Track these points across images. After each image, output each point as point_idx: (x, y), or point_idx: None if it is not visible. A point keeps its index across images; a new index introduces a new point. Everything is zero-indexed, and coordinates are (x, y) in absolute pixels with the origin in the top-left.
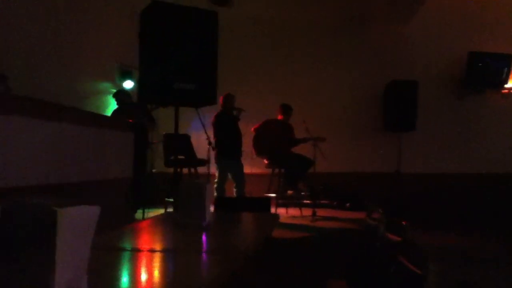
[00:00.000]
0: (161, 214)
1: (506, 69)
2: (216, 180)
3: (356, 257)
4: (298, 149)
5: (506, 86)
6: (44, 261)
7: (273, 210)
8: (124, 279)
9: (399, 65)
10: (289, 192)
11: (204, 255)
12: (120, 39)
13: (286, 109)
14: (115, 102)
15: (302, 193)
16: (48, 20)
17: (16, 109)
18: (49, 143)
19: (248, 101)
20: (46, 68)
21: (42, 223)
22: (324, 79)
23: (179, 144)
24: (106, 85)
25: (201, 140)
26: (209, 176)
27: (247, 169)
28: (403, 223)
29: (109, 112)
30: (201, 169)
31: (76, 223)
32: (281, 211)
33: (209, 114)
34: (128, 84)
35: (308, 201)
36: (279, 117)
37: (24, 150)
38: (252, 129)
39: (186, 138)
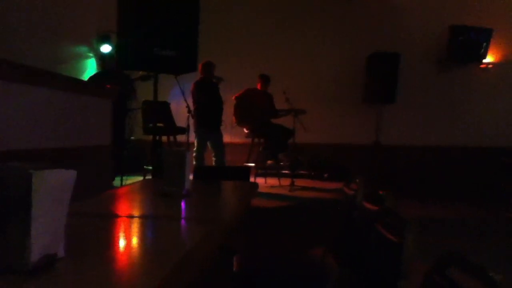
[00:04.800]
0: (140, 181)
1: (485, 44)
2: (194, 149)
3: (334, 225)
4: (278, 120)
5: (484, 61)
6: (20, 224)
7: (252, 179)
8: (103, 244)
9: (381, 37)
10: (269, 162)
11: (183, 222)
12: (98, 1)
13: (265, 79)
14: (96, 67)
15: (281, 163)
16: None
17: None
18: (26, 108)
19: (228, 69)
20: (21, 31)
21: (17, 186)
22: (305, 50)
23: (158, 112)
24: (83, 49)
25: (181, 108)
26: (188, 144)
27: (226, 139)
28: (380, 192)
29: (86, 77)
30: (180, 138)
31: (52, 186)
32: (260, 180)
33: (189, 82)
34: (106, 49)
35: (286, 171)
36: (259, 86)
37: (1, 115)
38: (234, 97)
39: (166, 106)
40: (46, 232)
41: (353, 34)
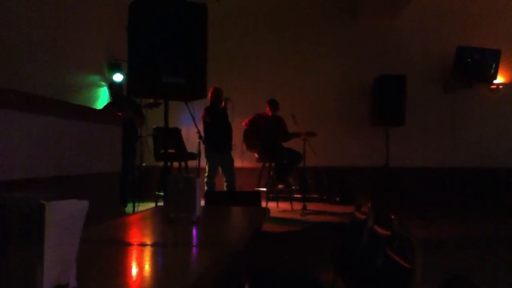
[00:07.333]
0: (151, 208)
1: (494, 65)
2: (206, 174)
3: (344, 250)
4: (288, 143)
5: (494, 82)
6: (32, 255)
7: (263, 204)
8: (114, 273)
9: (388, 59)
10: (280, 186)
11: (194, 249)
12: (109, 31)
13: (274, 104)
14: (108, 95)
15: (293, 187)
16: (35, 11)
17: (2, 102)
18: (37, 137)
19: (235, 92)
20: (33, 61)
21: (30, 217)
22: (313, 73)
23: (169, 138)
24: (95, 78)
25: (191, 134)
26: (199, 170)
27: (237, 163)
28: (392, 216)
29: (99, 105)
30: (191, 163)
31: (64, 217)
32: (272, 205)
33: (199, 107)
34: (118, 77)
35: (298, 195)
36: (269, 112)
37: (11, 143)
38: (244, 123)
39: (177, 132)
40: (58, 262)
41: (359, 57)
